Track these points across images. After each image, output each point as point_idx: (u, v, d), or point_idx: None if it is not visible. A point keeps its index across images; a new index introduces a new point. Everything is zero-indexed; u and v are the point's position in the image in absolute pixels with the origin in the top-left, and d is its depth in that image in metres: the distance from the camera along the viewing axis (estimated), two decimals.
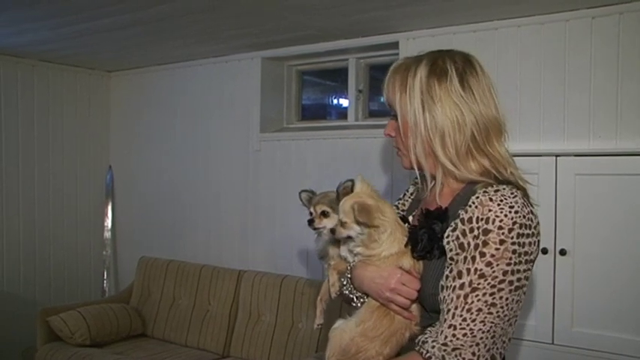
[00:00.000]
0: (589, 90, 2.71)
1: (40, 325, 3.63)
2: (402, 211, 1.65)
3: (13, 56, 4.04)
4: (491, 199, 1.27)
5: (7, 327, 4.02)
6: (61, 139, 4.38)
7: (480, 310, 1.24)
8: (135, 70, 4.51)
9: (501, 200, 1.26)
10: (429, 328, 1.33)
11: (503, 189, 1.29)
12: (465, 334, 1.24)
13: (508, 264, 1.25)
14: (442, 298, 1.29)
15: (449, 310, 1.26)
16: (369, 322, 1.41)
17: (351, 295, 1.48)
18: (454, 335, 1.24)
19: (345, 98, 3.76)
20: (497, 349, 1.28)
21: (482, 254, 1.24)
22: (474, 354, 1.24)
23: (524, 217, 1.27)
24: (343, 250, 1.53)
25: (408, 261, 1.40)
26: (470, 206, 1.29)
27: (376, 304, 1.42)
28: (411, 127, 1.38)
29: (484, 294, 1.24)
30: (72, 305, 3.80)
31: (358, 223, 1.40)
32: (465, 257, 1.26)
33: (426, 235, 1.37)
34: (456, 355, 1.24)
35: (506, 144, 1.42)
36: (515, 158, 1.43)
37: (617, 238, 2.40)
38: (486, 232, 1.24)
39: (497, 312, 1.25)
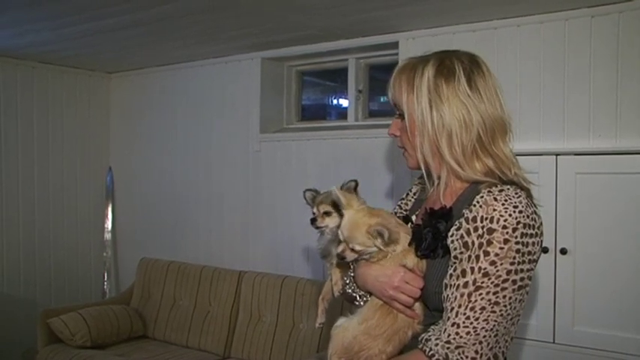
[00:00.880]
0: (589, 89, 2.72)
1: (41, 327, 3.63)
2: (405, 210, 1.66)
3: (13, 58, 4.04)
4: (495, 199, 1.28)
5: (8, 329, 4.02)
6: (61, 140, 4.38)
7: (483, 308, 1.25)
8: (135, 71, 4.51)
9: (506, 200, 1.27)
10: (432, 327, 1.33)
11: (508, 189, 1.30)
12: (468, 333, 1.24)
13: (512, 263, 1.25)
14: (446, 296, 1.30)
15: (452, 309, 1.27)
16: (372, 320, 1.41)
17: (354, 294, 1.48)
18: (457, 333, 1.25)
19: (345, 98, 3.76)
20: (499, 347, 1.29)
21: (487, 253, 1.25)
22: (476, 352, 1.25)
23: (527, 217, 1.28)
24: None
25: (411, 259, 1.40)
26: (474, 205, 1.29)
27: (379, 303, 1.42)
28: (418, 126, 1.39)
29: (488, 293, 1.25)
30: (72, 307, 3.80)
31: (386, 245, 1.39)
32: (469, 256, 1.27)
33: (430, 234, 1.37)
34: (459, 353, 1.24)
35: (511, 144, 1.42)
36: (510, 151, 1.43)
37: (618, 237, 2.40)
38: (491, 231, 1.25)
39: (501, 311, 1.26)
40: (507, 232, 1.25)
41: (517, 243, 1.25)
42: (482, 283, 1.25)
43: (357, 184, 1.68)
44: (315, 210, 1.67)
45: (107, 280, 4.63)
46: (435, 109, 1.36)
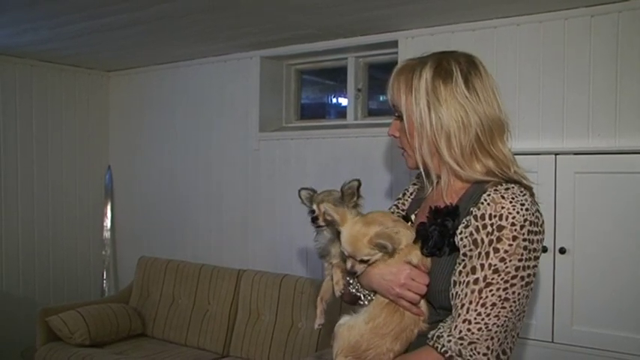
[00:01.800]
0: (588, 88, 2.72)
1: (40, 325, 3.63)
2: (402, 210, 1.66)
3: (12, 56, 4.04)
4: (503, 197, 1.30)
5: (7, 327, 4.02)
6: (60, 139, 4.38)
7: (494, 304, 1.26)
8: (134, 70, 4.51)
9: (513, 198, 1.30)
10: (440, 324, 1.34)
11: (513, 187, 1.32)
12: (479, 329, 1.26)
13: (520, 260, 1.27)
14: (455, 293, 1.31)
15: (463, 305, 1.28)
16: (379, 318, 1.40)
17: (359, 293, 1.48)
18: (469, 330, 1.26)
19: (344, 97, 3.76)
20: (507, 343, 1.32)
21: (496, 250, 1.27)
22: (488, 348, 1.27)
23: (533, 214, 1.31)
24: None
25: (416, 256, 1.40)
26: (482, 203, 1.31)
27: (385, 301, 1.42)
28: (416, 127, 1.40)
29: (498, 289, 1.27)
30: (71, 305, 3.80)
31: (391, 255, 1.40)
32: (479, 253, 1.28)
33: (437, 231, 1.38)
34: (471, 349, 1.26)
35: (509, 143, 1.43)
36: (509, 150, 1.44)
37: (617, 237, 2.40)
38: (500, 228, 1.27)
39: (511, 307, 1.28)
40: (516, 229, 1.27)
41: (524, 240, 1.28)
42: (493, 279, 1.26)
43: (359, 184, 1.68)
44: (315, 208, 1.66)
45: (106, 279, 4.63)
46: (434, 111, 1.37)
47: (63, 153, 4.40)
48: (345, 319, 1.47)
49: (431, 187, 1.49)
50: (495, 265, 1.27)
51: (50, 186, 4.33)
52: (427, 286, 1.38)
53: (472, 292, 1.27)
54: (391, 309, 1.41)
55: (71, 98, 4.44)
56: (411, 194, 1.68)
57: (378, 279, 1.41)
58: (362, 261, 1.42)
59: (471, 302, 1.27)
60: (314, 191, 1.73)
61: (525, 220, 1.28)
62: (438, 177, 1.44)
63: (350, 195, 1.64)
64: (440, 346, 1.29)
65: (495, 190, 1.32)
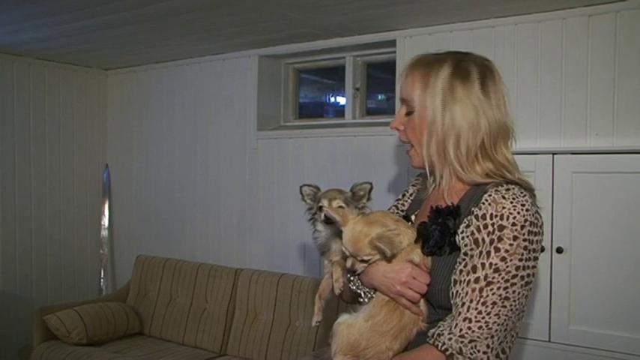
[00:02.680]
0: (586, 88, 2.72)
1: (37, 324, 3.62)
2: (402, 211, 1.67)
3: (9, 54, 4.03)
4: (504, 197, 1.31)
5: (4, 326, 4.01)
6: (58, 137, 4.38)
7: (494, 303, 1.28)
8: (132, 69, 4.51)
9: (513, 198, 1.31)
10: (440, 322, 1.35)
11: (513, 188, 1.34)
12: (480, 327, 1.27)
13: (520, 259, 1.29)
14: (455, 292, 1.32)
15: (464, 304, 1.29)
16: (379, 316, 1.41)
17: (359, 291, 1.48)
18: (469, 328, 1.28)
19: (343, 96, 3.76)
20: (507, 342, 1.33)
21: (497, 249, 1.28)
22: (488, 346, 1.28)
23: (532, 215, 1.32)
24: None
25: (417, 255, 1.41)
26: (483, 203, 1.32)
27: (385, 299, 1.42)
28: (428, 124, 1.40)
29: (498, 288, 1.28)
30: (69, 304, 3.79)
31: (391, 258, 1.40)
32: (481, 252, 1.30)
33: (438, 231, 1.38)
34: (472, 347, 1.27)
35: (512, 149, 1.45)
36: (512, 156, 1.46)
37: (614, 237, 2.40)
38: (501, 228, 1.29)
39: (511, 305, 1.29)
40: (516, 229, 1.29)
41: (524, 240, 1.29)
42: (494, 278, 1.28)
43: (371, 187, 1.68)
44: (325, 203, 1.64)
45: (103, 277, 4.62)
46: (448, 110, 1.38)
47: (60, 151, 4.39)
48: (343, 318, 1.47)
49: (432, 187, 1.51)
50: (496, 264, 1.28)
51: (48, 184, 4.32)
52: (428, 285, 1.39)
53: (473, 290, 1.28)
54: (391, 307, 1.41)
55: (69, 97, 4.44)
56: (411, 195, 1.68)
57: (379, 276, 1.42)
58: (362, 260, 1.42)
59: (471, 301, 1.28)
60: (317, 188, 1.72)
61: (526, 221, 1.30)
62: (441, 176, 1.44)
63: (360, 197, 1.64)
64: (440, 344, 1.30)
65: (496, 190, 1.34)
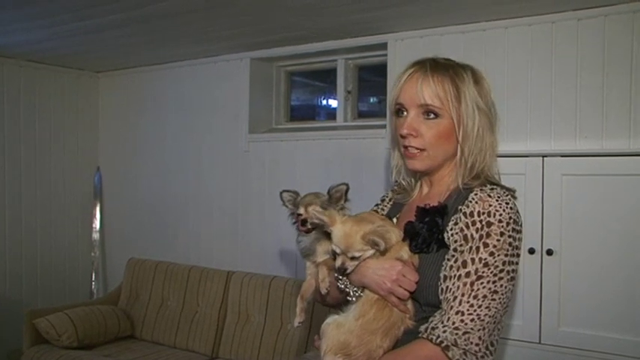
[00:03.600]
0: (575, 91, 2.74)
1: (27, 328, 3.61)
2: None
3: (0, 56, 4.01)
4: (490, 196, 1.37)
5: None
6: (49, 140, 4.36)
7: (485, 296, 1.32)
8: (124, 71, 4.50)
9: (498, 197, 1.37)
10: (431, 318, 1.37)
11: (497, 188, 1.40)
12: (472, 320, 1.31)
13: (506, 255, 1.34)
14: (445, 287, 1.35)
15: (455, 298, 1.33)
16: (369, 314, 1.42)
17: (347, 289, 1.49)
18: (462, 320, 1.31)
19: (334, 99, 3.77)
20: (495, 335, 1.37)
21: (486, 245, 1.33)
22: (480, 338, 1.31)
23: (515, 214, 1.38)
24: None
25: (406, 252, 1.43)
26: (470, 202, 1.38)
27: (375, 297, 1.43)
28: (464, 129, 1.43)
29: (488, 282, 1.32)
30: (59, 307, 3.78)
31: (383, 252, 1.42)
32: (470, 247, 1.34)
33: (426, 228, 1.42)
34: (466, 339, 1.30)
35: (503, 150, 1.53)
36: (502, 159, 1.53)
37: (604, 239, 2.42)
38: (489, 224, 1.34)
39: (500, 299, 1.34)
40: (502, 226, 1.34)
41: (510, 237, 1.35)
42: (483, 272, 1.32)
43: (348, 188, 1.69)
44: (302, 211, 1.66)
45: (95, 280, 4.60)
46: (472, 117, 1.43)
47: (52, 154, 4.37)
48: (332, 318, 1.48)
49: (417, 192, 1.57)
50: (485, 259, 1.32)
51: (39, 187, 4.30)
52: (416, 283, 1.41)
53: (464, 284, 1.32)
54: (381, 305, 1.43)
55: (60, 99, 4.42)
56: (390, 200, 1.71)
57: (370, 274, 1.43)
58: (353, 258, 1.44)
59: (463, 294, 1.32)
60: (297, 194, 1.74)
61: (510, 218, 1.35)
62: (430, 180, 1.53)
63: (337, 198, 1.65)
64: (435, 337, 1.32)
65: (482, 190, 1.39)
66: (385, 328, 1.41)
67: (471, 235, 1.34)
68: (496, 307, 1.33)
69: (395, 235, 1.44)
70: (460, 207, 1.39)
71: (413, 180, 1.60)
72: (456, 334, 1.30)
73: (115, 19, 3.07)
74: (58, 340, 3.51)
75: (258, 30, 3.28)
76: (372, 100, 3.85)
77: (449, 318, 1.32)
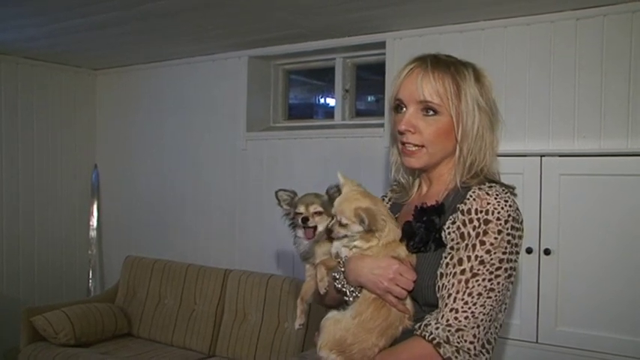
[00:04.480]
0: (574, 90, 2.74)
1: (24, 325, 3.60)
2: None
3: None
4: (488, 194, 1.36)
5: None
6: (46, 137, 4.35)
7: (480, 294, 1.31)
8: (121, 69, 4.49)
9: (497, 195, 1.35)
10: (426, 316, 1.36)
11: (495, 186, 1.39)
12: (466, 317, 1.30)
13: (504, 252, 1.33)
14: (441, 285, 1.34)
15: (450, 295, 1.32)
16: (366, 314, 1.42)
17: (344, 289, 1.48)
18: (456, 318, 1.30)
19: (332, 97, 3.76)
20: (491, 333, 1.35)
21: (483, 242, 1.32)
22: (474, 336, 1.30)
23: (514, 211, 1.36)
24: (335, 247, 1.53)
25: (403, 251, 1.43)
26: (468, 199, 1.36)
27: (372, 297, 1.43)
28: (463, 127, 1.42)
29: (484, 279, 1.31)
30: (56, 305, 3.77)
31: (371, 231, 1.42)
32: (466, 245, 1.33)
33: (423, 228, 1.41)
34: (459, 337, 1.29)
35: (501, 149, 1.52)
36: (500, 158, 1.51)
37: (601, 238, 2.42)
38: (487, 222, 1.32)
39: (495, 296, 1.32)
40: (500, 224, 1.32)
41: (508, 234, 1.33)
42: (479, 270, 1.31)
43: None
44: (301, 210, 1.65)
45: (92, 278, 4.60)
46: (476, 114, 1.42)
47: (49, 151, 4.36)
48: (332, 314, 1.49)
49: (415, 191, 1.56)
50: (481, 256, 1.31)
51: (36, 184, 4.29)
52: (414, 282, 1.40)
53: (459, 282, 1.31)
54: (378, 305, 1.42)
55: (58, 96, 4.41)
56: (389, 200, 1.70)
57: (366, 273, 1.43)
58: (341, 225, 1.45)
59: (457, 292, 1.31)
60: (294, 194, 1.72)
61: (509, 216, 1.34)
62: (429, 178, 1.51)
63: (335, 199, 1.65)
64: (427, 334, 1.31)
65: (480, 188, 1.38)
66: (382, 328, 1.41)
67: (468, 232, 1.33)
68: (491, 305, 1.31)
69: (393, 233, 1.44)
70: (458, 205, 1.38)
71: (411, 178, 1.59)
72: (449, 331, 1.29)
73: (112, 16, 3.06)
74: (56, 338, 3.51)
75: (257, 28, 3.28)
76: (370, 98, 3.85)
77: (443, 315, 1.31)
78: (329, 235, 1.51)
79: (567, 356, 2.46)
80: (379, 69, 3.38)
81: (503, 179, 1.50)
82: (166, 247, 4.23)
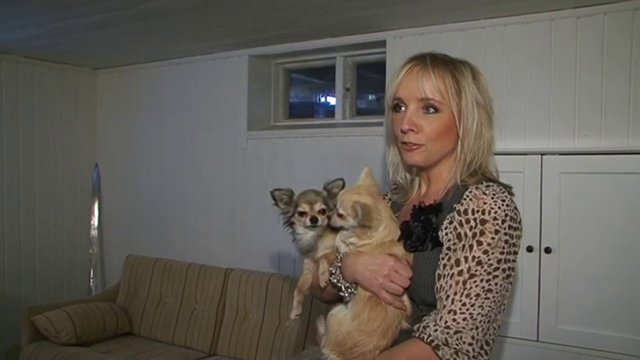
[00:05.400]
0: (574, 89, 2.74)
1: (25, 324, 3.60)
2: None
3: None
4: (485, 193, 1.35)
5: None
6: (47, 136, 4.35)
7: (478, 295, 1.30)
8: (122, 68, 4.49)
9: (494, 194, 1.35)
10: (425, 317, 1.36)
11: (493, 185, 1.39)
12: (464, 319, 1.29)
13: (501, 252, 1.32)
14: (439, 286, 1.34)
15: (448, 297, 1.31)
16: (364, 314, 1.42)
17: (340, 284, 1.49)
18: (454, 320, 1.29)
19: (333, 96, 3.76)
20: (490, 335, 1.34)
21: (480, 243, 1.31)
22: (473, 337, 1.29)
23: (512, 211, 1.35)
24: (337, 241, 1.55)
25: (399, 250, 1.44)
26: (465, 199, 1.36)
27: (367, 295, 1.43)
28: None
29: (481, 280, 1.31)
30: (57, 304, 3.77)
31: (362, 225, 1.43)
32: (463, 245, 1.32)
33: (420, 227, 1.41)
34: (457, 339, 1.28)
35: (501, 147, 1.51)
36: (500, 157, 1.53)
37: (602, 237, 2.42)
38: (483, 222, 1.32)
39: (494, 297, 1.32)
40: (497, 224, 1.32)
41: (505, 234, 1.32)
42: (476, 271, 1.30)
43: (344, 183, 1.69)
44: (307, 209, 1.65)
45: (93, 277, 4.60)
46: (476, 112, 1.43)
47: (50, 151, 4.37)
48: (337, 309, 1.50)
49: (415, 190, 1.57)
50: (479, 257, 1.31)
51: (37, 184, 4.30)
52: (410, 279, 1.41)
53: (456, 283, 1.31)
54: (373, 303, 1.43)
55: (58, 96, 4.41)
56: (390, 200, 1.70)
57: (362, 269, 1.43)
58: (339, 215, 1.48)
59: (455, 293, 1.30)
60: (291, 192, 1.72)
61: (506, 216, 1.33)
62: (428, 177, 1.52)
63: (335, 194, 1.65)
64: (426, 336, 1.31)
65: (477, 187, 1.37)
66: (383, 330, 1.41)
67: (465, 233, 1.33)
68: (490, 306, 1.31)
69: (392, 232, 1.45)
70: (455, 205, 1.37)
71: (410, 177, 1.60)
72: (447, 333, 1.29)
73: (113, 15, 3.06)
74: (57, 337, 3.51)
75: (257, 27, 3.28)
76: (370, 97, 3.84)
77: (441, 317, 1.31)
78: (329, 225, 1.54)
79: (568, 354, 2.46)
80: (380, 68, 3.38)
81: (504, 178, 1.50)
82: (167, 246, 4.23)
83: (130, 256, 4.17)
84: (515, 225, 1.35)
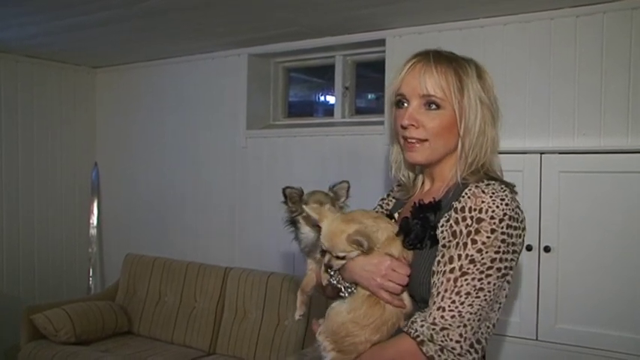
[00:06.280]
0: (574, 88, 2.74)
1: (24, 323, 3.61)
2: (386, 210, 1.69)
3: None
4: (483, 192, 1.34)
5: None
6: (46, 135, 4.35)
7: (468, 293, 1.29)
8: (121, 67, 4.49)
9: (493, 193, 1.33)
10: (417, 312, 1.36)
11: (494, 184, 1.37)
12: (453, 316, 1.29)
13: (497, 252, 1.31)
14: (432, 282, 1.34)
15: (439, 293, 1.31)
16: (360, 310, 1.43)
17: (339, 285, 1.49)
18: (442, 317, 1.29)
19: (332, 95, 3.76)
20: (482, 333, 1.33)
21: (474, 241, 1.30)
22: (461, 335, 1.28)
23: (512, 210, 1.33)
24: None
25: (396, 248, 1.43)
26: (463, 197, 1.35)
27: (366, 294, 1.44)
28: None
29: (473, 279, 1.30)
30: (57, 303, 3.77)
31: (367, 252, 1.41)
32: (457, 243, 1.32)
33: (419, 224, 1.41)
34: (444, 335, 1.28)
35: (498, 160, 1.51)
36: (500, 156, 1.50)
37: (601, 236, 2.42)
38: (479, 220, 1.31)
39: (485, 296, 1.30)
40: (494, 223, 1.30)
41: (502, 233, 1.31)
42: (469, 269, 1.29)
43: (349, 186, 1.69)
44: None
45: (92, 276, 4.60)
46: (479, 109, 1.42)
47: (49, 149, 4.36)
48: (336, 303, 1.50)
49: (418, 187, 1.56)
50: (472, 255, 1.30)
51: (36, 183, 4.29)
52: (408, 276, 1.40)
53: (448, 280, 1.30)
54: (372, 302, 1.43)
55: (57, 94, 4.41)
56: (394, 196, 1.70)
57: (359, 270, 1.43)
58: (338, 257, 1.44)
59: (446, 290, 1.30)
60: (301, 191, 1.72)
61: (505, 215, 1.31)
62: (430, 176, 1.52)
63: (341, 196, 1.65)
64: (412, 331, 1.31)
65: (476, 185, 1.36)
66: (376, 325, 1.41)
67: (460, 230, 1.32)
68: (480, 305, 1.29)
69: (386, 232, 1.44)
70: (453, 203, 1.37)
71: (413, 175, 1.60)
72: (434, 329, 1.28)
73: (113, 14, 3.06)
74: (56, 336, 3.51)
75: (256, 26, 3.28)
76: (369, 96, 3.84)
77: (430, 313, 1.31)
78: (326, 270, 1.50)
79: (567, 353, 2.46)
80: (379, 66, 3.38)
81: (503, 176, 1.50)
82: (166, 244, 4.23)
83: (129, 255, 4.17)
84: (515, 224, 1.33)
